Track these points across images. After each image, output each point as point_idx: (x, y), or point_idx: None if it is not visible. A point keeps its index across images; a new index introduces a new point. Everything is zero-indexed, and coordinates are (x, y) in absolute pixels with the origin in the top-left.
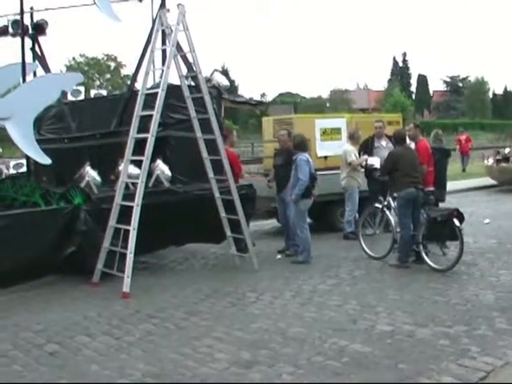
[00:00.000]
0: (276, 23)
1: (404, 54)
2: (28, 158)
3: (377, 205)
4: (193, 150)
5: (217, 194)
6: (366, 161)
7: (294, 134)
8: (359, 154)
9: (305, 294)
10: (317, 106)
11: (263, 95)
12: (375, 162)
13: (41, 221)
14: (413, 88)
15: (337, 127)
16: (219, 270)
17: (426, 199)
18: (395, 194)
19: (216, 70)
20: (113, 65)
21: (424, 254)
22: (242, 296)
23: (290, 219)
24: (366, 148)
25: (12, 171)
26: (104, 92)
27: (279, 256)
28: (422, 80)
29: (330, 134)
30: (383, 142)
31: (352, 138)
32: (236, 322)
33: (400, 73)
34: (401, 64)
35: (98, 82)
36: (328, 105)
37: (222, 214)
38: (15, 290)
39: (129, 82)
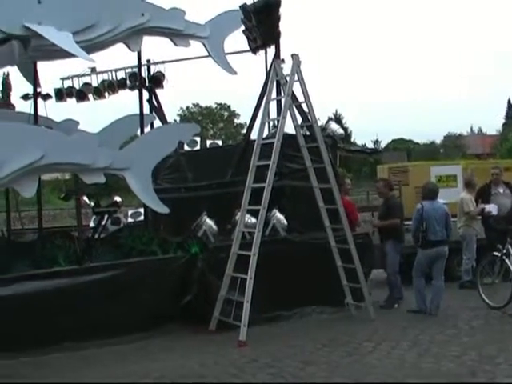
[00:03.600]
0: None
1: None
2: (146, 207)
3: (495, 253)
4: (308, 199)
5: (333, 243)
6: (484, 209)
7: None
8: (476, 202)
9: (422, 345)
10: (430, 153)
11: (376, 142)
12: (493, 209)
13: (158, 269)
14: None
15: (452, 174)
16: (335, 319)
17: None
18: None
19: (331, 120)
20: (226, 114)
21: None
22: (358, 346)
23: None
24: (483, 195)
25: (130, 220)
26: (219, 142)
27: (396, 305)
28: None
29: (446, 181)
30: (500, 189)
31: (468, 185)
32: (353, 373)
33: None
34: None
35: (211, 132)
36: (441, 151)
37: (338, 262)
38: (133, 337)
39: (242, 131)
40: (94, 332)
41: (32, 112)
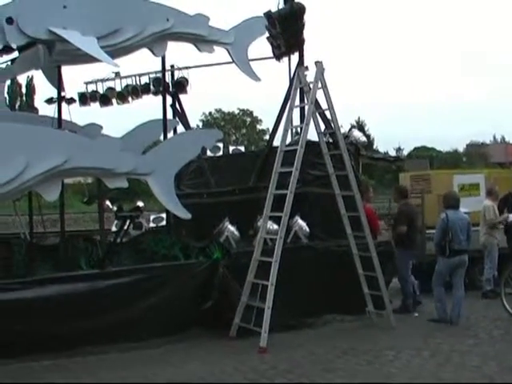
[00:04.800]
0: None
1: None
2: (168, 212)
3: None
4: (330, 206)
5: (355, 251)
6: (508, 217)
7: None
8: (500, 211)
9: (443, 354)
10: (453, 161)
11: (398, 150)
12: None
13: (180, 274)
14: None
15: (475, 183)
16: (356, 327)
17: None
18: None
19: (354, 127)
20: (248, 120)
21: None
22: (378, 354)
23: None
24: (506, 204)
25: (152, 225)
26: (242, 148)
27: (416, 314)
28: None
29: (469, 189)
30: None
31: (490, 193)
32: (371, 381)
33: None
34: None
35: (233, 137)
36: (464, 159)
37: (360, 270)
38: (154, 342)
39: (264, 137)
40: (114, 336)
41: (56, 116)
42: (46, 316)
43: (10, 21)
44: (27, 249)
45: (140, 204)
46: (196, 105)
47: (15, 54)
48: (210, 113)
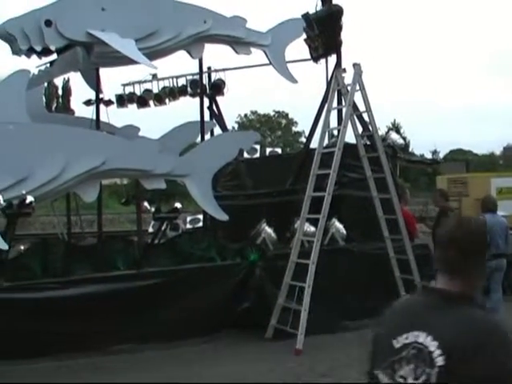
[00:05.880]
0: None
1: None
2: (205, 214)
3: None
4: (368, 208)
5: (392, 254)
6: None
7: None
8: None
9: None
10: (489, 164)
11: (434, 152)
12: None
13: (216, 276)
14: None
15: None
16: None
17: None
18: None
19: (391, 129)
20: (284, 122)
21: None
22: None
23: None
24: None
25: (188, 226)
26: (279, 150)
27: None
28: None
29: (507, 193)
30: None
31: None
32: None
33: None
34: None
35: (269, 139)
36: (501, 162)
37: (397, 273)
38: (190, 343)
39: (300, 139)
40: (150, 336)
41: (94, 117)
42: (82, 316)
43: (48, 23)
44: (65, 249)
45: (178, 205)
46: (232, 107)
47: (54, 57)
48: (246, 115)
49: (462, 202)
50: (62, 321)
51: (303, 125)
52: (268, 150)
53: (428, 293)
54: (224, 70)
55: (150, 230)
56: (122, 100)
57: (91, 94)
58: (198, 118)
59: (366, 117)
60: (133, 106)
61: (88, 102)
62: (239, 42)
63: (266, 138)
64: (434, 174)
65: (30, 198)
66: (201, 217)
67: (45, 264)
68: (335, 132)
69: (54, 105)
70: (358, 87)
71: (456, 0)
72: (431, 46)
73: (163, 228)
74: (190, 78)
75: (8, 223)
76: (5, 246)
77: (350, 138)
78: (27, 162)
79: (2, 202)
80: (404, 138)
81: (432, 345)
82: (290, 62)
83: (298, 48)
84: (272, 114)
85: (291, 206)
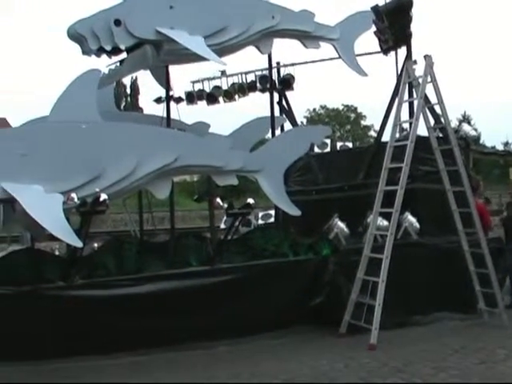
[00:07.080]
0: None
1: None
2: (277, 209)
3: None
4: (441, 202)
5: (466, 248)
6: None
7: None
8: None
9: None
10: None
11: (506, 144)
12: None
13: (289, 271)
14: None
15: None
16: (467, 325)
17: None
18: None
19: (463, 121)
20: (353, 116)
21: None
22: (491, 353)
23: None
24: None
25: (260, 221)
26: (350, 144)
27: None
28: None
29: None
30: None
31: None
32: (485, 381)
33: None
34: None
35: (338, 134)
36: None
37: (471, 267)
38: (263, 338)
39: (369, 133)
40: (223, 332)
41: (165, 115)
42: (156, 312)
43: (117, 23)
44: (138, 246)
45: (251, 201)
46: (300, 101)
47: (124, 55)
48: (315, 109)
49: None
50: (135, 317)
51: (372, 118)
52: (338, 144)
53: None
54: (293, 64)
55: (222, 226)
56: (192, 97)
57: (159, 92)
58: (268, 114)
59: (437, 109)
60: (202, 103)
61: (158, 100)
62: (308, 36)
63: (335, 132)
64: (506, 165)
65: (103, 196)
66: (272, 212)
67: (118, 261)
68: (405, 125)
69: (123, 103)
70: (429, 79)
71: None
72: (495, 37)
73: (237, 224)
74: (258, 73)
75: (82, 221)
76: (79, 244)
77: (421, 130)
78: (100, 160)
79: (76, 200)
80: (475, 130)
81: None
82: (359, 55)
83: (367, 41)
84: (341, 108)
85: (363, 200)
